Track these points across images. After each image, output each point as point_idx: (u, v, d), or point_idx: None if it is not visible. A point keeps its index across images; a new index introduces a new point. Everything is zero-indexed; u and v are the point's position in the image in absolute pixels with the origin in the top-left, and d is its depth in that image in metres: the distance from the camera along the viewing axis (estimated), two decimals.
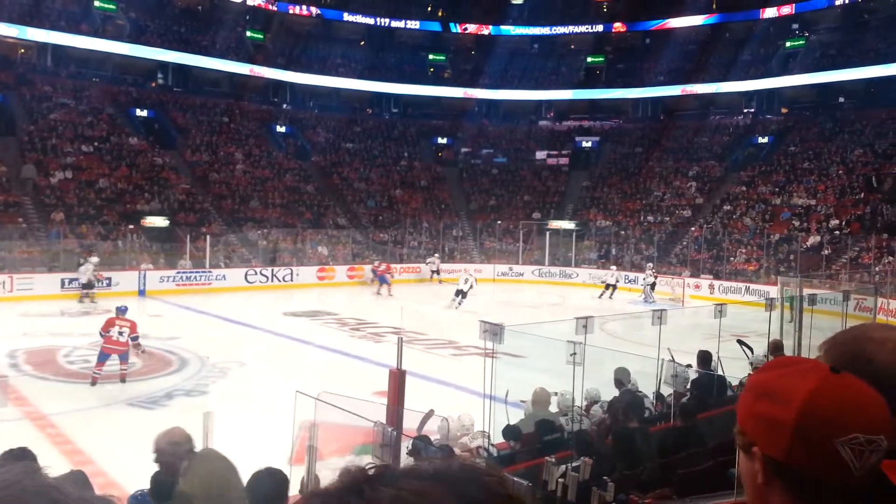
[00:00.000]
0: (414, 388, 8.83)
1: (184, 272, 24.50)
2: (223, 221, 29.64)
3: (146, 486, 4.63)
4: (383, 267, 26.63)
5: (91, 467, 7.44)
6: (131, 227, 26.41)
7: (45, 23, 32.85)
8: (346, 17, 42.78)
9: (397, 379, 5.99)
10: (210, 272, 25.06)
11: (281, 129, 38.76)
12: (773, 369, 0.99)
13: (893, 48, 34.79)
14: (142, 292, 22.75)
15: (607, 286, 25.24)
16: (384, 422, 7.14)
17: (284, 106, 40.93)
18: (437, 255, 30.59)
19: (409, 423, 6.47)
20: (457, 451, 6.28)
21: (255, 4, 39.79)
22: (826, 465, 0.88)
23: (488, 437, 6.79)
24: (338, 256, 30.17)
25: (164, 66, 37.17)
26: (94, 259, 21.81)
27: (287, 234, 29.82)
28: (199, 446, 5.29)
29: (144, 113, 34.28)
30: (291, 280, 26.67)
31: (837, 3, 37.27)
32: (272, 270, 26.56)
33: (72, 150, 29.18)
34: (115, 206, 27.56)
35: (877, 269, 23.95)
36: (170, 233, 27.05)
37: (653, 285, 24.72)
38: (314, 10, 41.85)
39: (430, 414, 6.69)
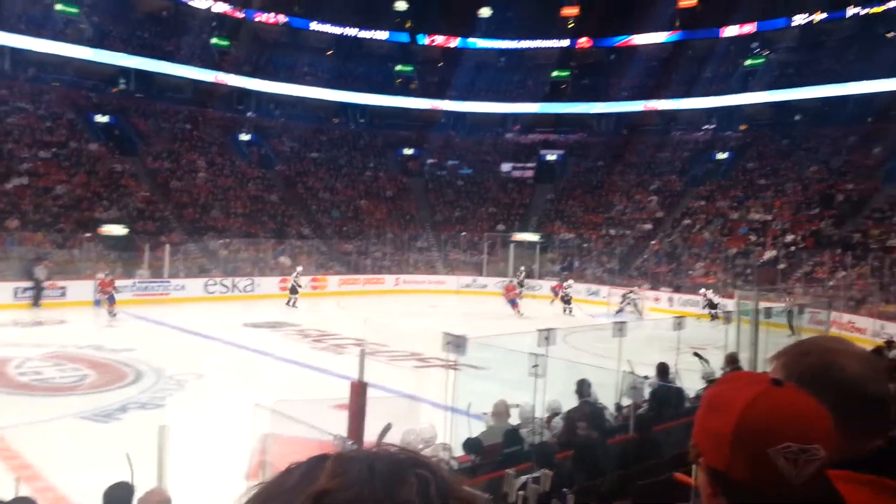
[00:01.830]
0: (374, 400, 8.76)
1: (141, 282, 24.01)
2: (183, 230, 29.17)
3: (98, 502, 4.52)
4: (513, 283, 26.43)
5: (40, 483, 7.23)
6: (88, 235, 25.81)
7: (3, 25, 32.03)
8: (314, 25, 42.64)
9: (359, 391, 5.94)
10: (168, 282, 24.64)
11: (245, 137, 38.38)
12: (723, 383, 1.02)
13: (847, 69, 35.95)
14: (97, 302, 22.13)
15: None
16: (346, 434, 7.06)
17: (249, 114, 40.55)
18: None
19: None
20: None
21: (222, 11, 39.43)
22: (764, 475, 0.89)
23: (450, 449, 6.77)
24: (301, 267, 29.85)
25: (126, 71, 36.53)
26: (300, 268, 25.66)
27: (249, 244, 29.47)
28: (153, 462, 5.19)
29: (105, 118, 33.61)
30: (252, 291, 26.32)
31: (795, 23, 38.39)
32: (233, 280, 26.20)
33: (29, 155, 28.46)
34: (71, 214, 26.92)
35: (830, 283, 24.57)
36: (128, 241, 26.52)
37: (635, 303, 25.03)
38: (281, 17, 41.65)
39: (388, 427, 6.64)
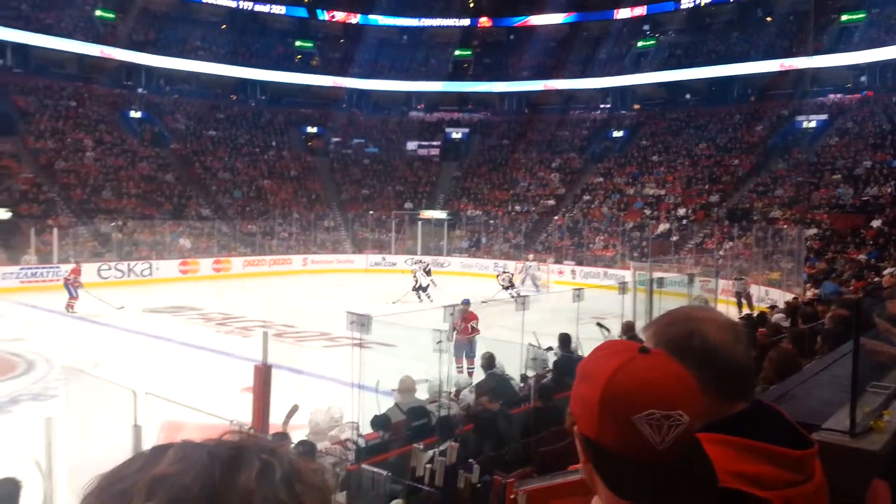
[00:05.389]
0: (283, 381, 8.70)
1: (28, 268, 22.59)
2: (71, 213, 27.58)
3: None
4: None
5: None
6: None
7: None
8: None
9: (263, 374, 5.88)
10: (58, 268, 23.23)
11: (136, 114, 36.49)
12: (595, 353, 1.04)
13: (732, 50, 38.00)
14: None
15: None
16: (252, 418, 6.99)
17: (139, 90, 38.52)
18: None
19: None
20: (327, 443, 6.27)
21: None
22: (630, 441, 0.92)
23: (357, 427, 6.81)
24: (202, 249, 28.91)
25: (1, 45, 33.85)
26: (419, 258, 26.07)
27: (145, 227, 28.19)
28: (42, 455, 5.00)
29: None
30: (150, 275, 25.26)
31: (683, 6, 40.08)
32: (128, 265, 25.03)
33: None
34: None
35: (719, 253, 26.06)
36: (12, 226, 24.84)
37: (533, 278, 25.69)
38: None
39: (294, 409, 6.62)
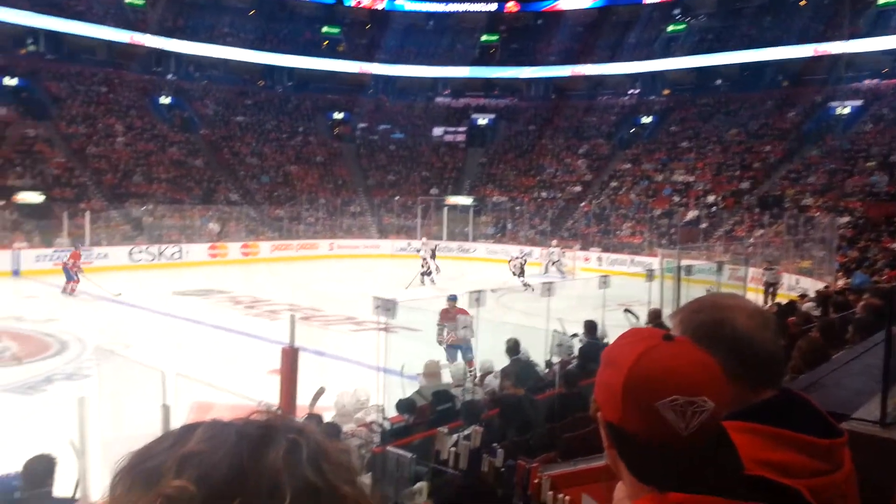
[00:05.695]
0: (310, 364, 8.81)
1: (61, 250, 23.04)
2: (103, 197, 28.04)
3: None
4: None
5: None
6: (2, 203, 24.55)
7: None
8: None
9: (290, 357, 5.95)
10: (90, 250, 23.70)
11: (165, 100, 36.85)
12: (619, 340, 1.04)
13: (764, 35, 37.23)
14: (16, 273, 21.26)
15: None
16: (279, 400, 7.08)
17: (169, 76, 38.89)
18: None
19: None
20: (352, 425, 6.34)
21: None
22: (654, 427, 0.92)
23: (383, 410, 6.87)
24: (230, 233, 29.26)
25: (34, 31, 34.39)
26: (424, 239, 23.86)
27: (175, 211, 28.58)
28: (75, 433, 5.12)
29: (14, 81, 31.65)
30: (180, 258, 25.65)
31: None
32: (159, 248, 25.42)
33: None
34: None
35: (750, 241, 25.70)
36: (45, 209, 25.35)
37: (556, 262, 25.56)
38: None
39: (321, 391, 6.70)
